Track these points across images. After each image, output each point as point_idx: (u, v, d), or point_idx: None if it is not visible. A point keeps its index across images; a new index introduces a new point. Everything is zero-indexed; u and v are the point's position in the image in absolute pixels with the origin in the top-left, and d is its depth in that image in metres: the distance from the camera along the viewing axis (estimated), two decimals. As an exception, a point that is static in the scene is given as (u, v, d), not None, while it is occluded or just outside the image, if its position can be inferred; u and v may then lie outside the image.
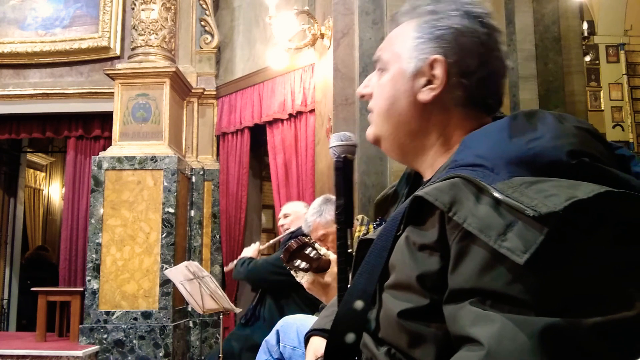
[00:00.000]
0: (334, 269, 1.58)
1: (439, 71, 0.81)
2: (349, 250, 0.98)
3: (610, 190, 0.58)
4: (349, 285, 0.84)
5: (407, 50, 0.84)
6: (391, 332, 0.72)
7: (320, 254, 1.56)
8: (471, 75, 0.80)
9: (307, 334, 1.12)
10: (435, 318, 0.66)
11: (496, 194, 0.61)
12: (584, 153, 0.65)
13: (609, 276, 0.59)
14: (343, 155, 1.00)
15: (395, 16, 0.90)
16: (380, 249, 0.77)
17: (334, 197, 2.76)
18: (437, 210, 0.66)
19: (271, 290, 3.05)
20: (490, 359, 0.57)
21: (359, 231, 2.42)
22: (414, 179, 0.92)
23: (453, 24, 0.81)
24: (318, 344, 1.07)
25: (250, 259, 3.13)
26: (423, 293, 0.68)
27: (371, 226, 2.13)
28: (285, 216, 3.27)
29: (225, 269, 3.28)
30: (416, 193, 0.70)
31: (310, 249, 1.54)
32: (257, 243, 3.31)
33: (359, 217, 2.56)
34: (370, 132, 0.90)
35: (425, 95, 0.82)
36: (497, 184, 0.63)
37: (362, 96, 0.92)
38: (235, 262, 3.22)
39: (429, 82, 0.82)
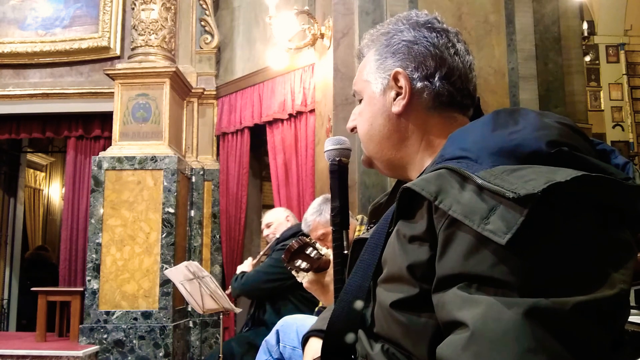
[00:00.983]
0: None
1: (403, 81, 0.87)
2: (345, 252, 1.00)
3: (587, 174, 0.61)
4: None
5: (372, 74, 0.91)
6: (385, 325, 0.74)
7: (321, 254, 1.56)
8: (431, 76, 0.86)
9: (304, 335, 1.12)
10: (426, 308, 0.68)
11: (479, 181, 0.64)
12: (563, 143, 0.68)
13: (589, 257, 0.61)
14: (338, 159, 1.03)
15: (360, 51, 0.97)
16: (374, 247, 0.80)
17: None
18: (425, 201, 0.69)
19: (268, 297, 3.06)
20: (475, 339, 0.58)
21: (359, 231, 2.42)
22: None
23: (403, 37, 0.88)
24: (316, 346, 1.07)
25: (243, 273, 3.15)
26: (413, 283, 0.70)
27: (362, 227, 2.13)
28: (268, 226, 3.30)
29: (226, 291, 3.29)
30: (404, 185, 0.73)
31: (311, 248, 1.54)
32: (250, 258, 3.34)
33: (359, 217, 2.56)
34: (363, 158, 0.95)
35: (398, 106, 0.88)
36: (480, 172, 0.66)
37: (352, 130, 0.97)
38: (231, 281, 3.26)
39: (398, 95, 0.88)
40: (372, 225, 1.00)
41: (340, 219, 1.02)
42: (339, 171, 1.02)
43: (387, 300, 0.72)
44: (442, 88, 0.86)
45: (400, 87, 0.87)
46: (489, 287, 0.60)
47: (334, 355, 0.81)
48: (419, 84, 0.86)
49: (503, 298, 0.59)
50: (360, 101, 0.95)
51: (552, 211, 0.60)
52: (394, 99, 0.88)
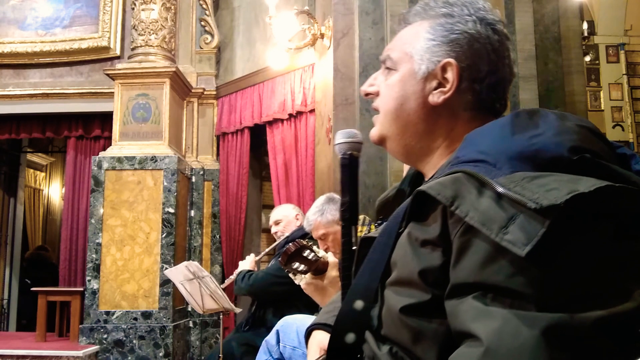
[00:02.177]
0: (331, 272, 1.58)
1: (450, 75, 0.81)
2: (354, 248, 0.98)
3: (610, 184, 0.59)
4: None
5: (419, 52, 0.84)
6: (393, 329, 0.72)
7: (318, 256, 1.56)
8: (481, 80, 0.81)
9: (308, 328, 1.12)
10: (437, 314, 0.66)
11: (498, 188, 0.62)
12: (585, 149, 0.66)
13: (609, 270, 0.59)
14: (349, 152, 1.00)
15: (406, 15, 0.90)
16: (383, 246, 0.77)
17: (337, 197, 2.76)
18: (440, 205, 0.67)
19: (274, 301, 2.99)
20: (489, 356, 0.56)
21: (360, 231, 2.42)
22: (417, 180, 0.92)
23: (467, 29, 0.82)
24: (322, 337, 1.07)
25: (249, 271, 3.07)
26: (425, 288, 0.68)
27: (373, 226, 2.13)
28: (277, 223, 3.23)
29: (223, 285, 3.23)
30: (419, 188, 0.71)
31: (308, 251, 1.54)
32: (252, 255, 3.26)
33: (360, 217, 2.56)
34: (375, 132, 0.90)
35: (436, 98, 0.82)
36: (499, 179, 0.63)
37: (367, 94, 0.92)
38: (232, 277, 3.18)
39: (440, 85, 0.82)
40: (380, 221, 0.99)
41: (349, 214, 1.00)
42: (349, 165, 0.99)
43: (397, 305, 0.70)
44: (486, 95, 0.82)
45: (446, 79, 0.82)
46: (505, 298, 0.59)
47: (340, 354, 0.79)
48: (465, 84, 0.81)
49: (520, 312, 0.57)
50: (388, 69, 0.88)
51: (573, 222, 0.58)
52: (434, 88, 0.83)
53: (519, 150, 0.67)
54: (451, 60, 0.81)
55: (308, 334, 1.12)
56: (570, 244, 0.59)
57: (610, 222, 0.60)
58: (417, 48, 0.84)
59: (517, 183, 0.61)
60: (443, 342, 0.66)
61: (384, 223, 0.85)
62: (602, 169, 0.64)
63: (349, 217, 1.00)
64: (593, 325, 0.56)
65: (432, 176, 0.83)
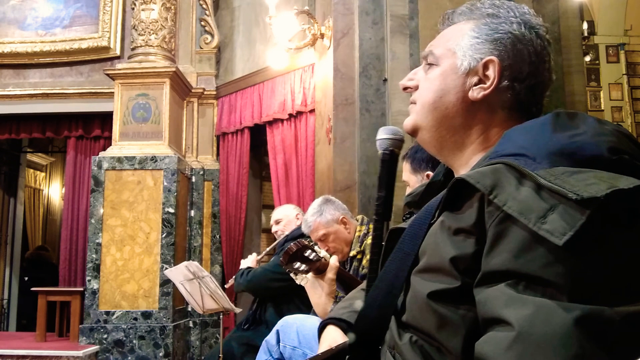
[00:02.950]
0: (327, 274, 1.58)
1: (492, 72, 0.84)
2: (383, 243, 1.00)
3: None
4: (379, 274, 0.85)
5: (462, 48, 0.86)
6: (418, 315, 0.74)
7: (319, 256, 1.56)
8: (522, 81, 0.83)
9: (322, 322, 1.12)
10: (465, 301, 0.67)
11: (539, 179, 0.63)
12: (623, 151, 0.68)
13: None
14: (390, 149, 1.02)
15: (451, 15, 0.92)
16: (413, 237, 0.79)
17: (333, 198, 2.75)
18: (477, 193, 0.68)
19: (273, 296, 3.02)
20: (520, 339, 0.58)
21: (359, 231, 2.42)
22: (449, 176, 0.94)
23: (512, 29, 0.84)
24: (334, 335, 1.07)
25: (249, 268, 3.10)
26: (455, 275, 0.69)
27: (372, 226, 2.12)
28: (277, 222, 3.25)
29: (226, 285, 3.25)
30: (458, 176, 0.72)
31: (309, 251, 1.54)
32: (254, 254, 3.29)
33: (359, 217, 2.56)
34: (410, 121, 0.91)
35: (476, 93, 0.84)
36: (539, 171, 0.65)
37: (405, 88, 0.94)
38: (234, 277, 3.21)
39: (480, 82, 0.84)
40: (408, 215, 1.00)
41: (383, 209, 1.02)
42: (389, 161, 1.02)
43: (425, 291, 0.71)
44: (524, 96, 0.84)
45: (487, 76, 0.84)
46: (538, 286, 0.60)
47: (365, 342, 0.80)
48: (505, 82, 0.83)
49: (552, 301, 0.58)
50: (429, 65, 0.90)
51: (611, 217, 0.59)
52: (475, 84, 0.85)
53: (560, 146, 0.69)
54: (493, 57, 0.83)
55: (322, 328, 1.12)
56: (607, 238, 0.60)
57: None
58: (460, 45, 0.87)
59: (557, 176, 0.63)
60: (468, 329, 0.67)
61: (413, 215, 0.86)
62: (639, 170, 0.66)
63: (382, 211, 1.02)
64: (623, 320, 0.57)
65: (471, 170, 0.84)
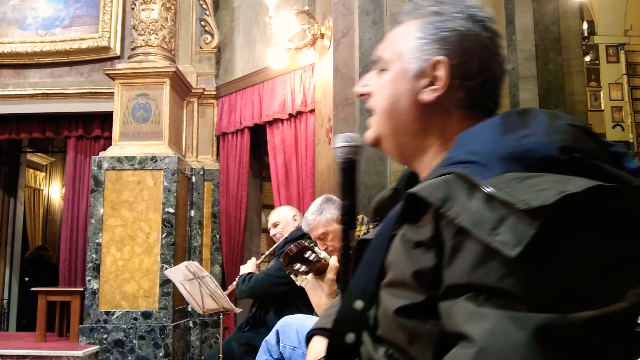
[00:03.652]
0: (327, 275, 1.58)
1: (441, 72, 0.81)
2: (351, 252, 0.99)
3: (601, 184, 0.59)
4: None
5: (409, 50, 0.84)
6: (389, 330, 0.73)
7: (319, 257, 1.56)
8: (473, 78, 0.81)
9: (308, 333, 1.12)
10: (431, 315, 0.66)
11: (488, 189, 0.62)
12: (576, 149, 0.66)
13: (601, 269, 0.60)
14: (348, 157, 1.00)
15: (397, 15, 0.90)
16: (378, 249, 0.77)
17: (335, 197, 2.75)
18: (431, 206, 0.66)
19: (275, 300, 3.00)
20: (482, 356, 0.57)
21: (359, 230, 2.42)
22: (412, 180, 0.92)
23: (457, 26, 0.81)
24: (319, 345, 1.07)
25: (250, 274, 3.08)
26: (419, 290, 0.68)
27: (371, 226, 2.13)
28: (275, 225, 3.24)
29: (226, 292, 3.24)
30: (410, 190, 0.71)
31: (309, 252, 1.54)
32: (253, 259, 3.28)
33: (359, 217, 2.56)
34: (371, 134, 0.90)
35: (427, 96, 0.82)
36: (489, 180, 0.63)
37: (361, 95, 0.92)
38: (235, 282, 3.19)
39: (431, 83, 0.82)
40: (376, 222, 0.99)
41: (349, 218, 1.00)
42: (349, 169, 1.00)
43: (392, 307, 0.70)
44: (478, 92, 0.82)
45: (436, 77, 0.81)
46: (497, 299, 0.59)
47: (338, 355, 0.79)
48: (456, 81, 0.81)
49: (512, 312, 0.57)
50: (381, 70, 0.88)
51: (564, 222, 0.58)
52: (426, 87, 0.82)
53: (510, 150, 0.67)
54: (441, 57, 0.81)
55: (308, 339, 1.12)
56: (562, 244, 0.59)
57: (602, 222, 0.60)
58: (407, 47, 0.84)
59: (507, 184, 0.61)
60: (438, 343, 0.66)
61: (380, 225, 0.85)
62: (594, 169, 0.64)
63: (348, 220, 1.01)
64: (584, 326, 0.56)
65: (426, 177, 0.82)
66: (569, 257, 0.59)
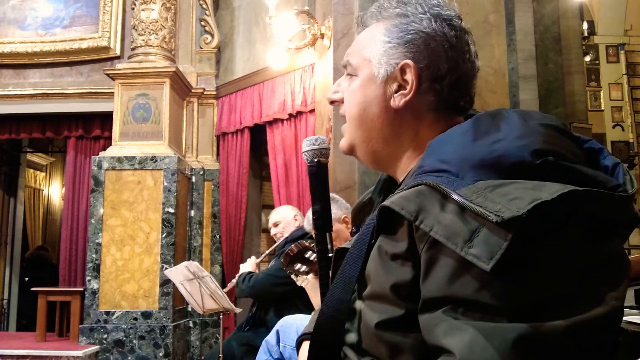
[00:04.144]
0: None
1: (409, 76, 0.79)
2: (329, 255, 0.97)
3: (574, 189, 0.58)
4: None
5: (376, 55, 0.82)
6: (371, 344, 0.72)
7: None
8: (442, 79, 0.79)
9: (298, 338, 1.12)
10: (412, 328, 0.65)
11: (460, 200, 0.60)
12: (548, 152, 0.64)
13: (579, 275, 0.59)
14: (316, 160, 0.98)
15: (363, 18, 0.88)
16: (355, 259, 0.76)
17: (338, 196, 2.74)
18: (405, 219, 0.65)
19: (276, 301, 3.00)
20: None
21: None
22: (389, 185, 0.91)
23: (422, 28, 0.80)
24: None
25: (250, 273, 3.08)
26: (398, 303, 0.67)
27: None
28: (275, 225, 3.23)
29: (226, 289, 3.24)
30: (383, 203, 0.70)
31: (310, 252, 1.54)
32: (253, 257, 3.28)
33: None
34: (344, 142, 0.88)
35: (397, 101, 0.81)
36: (461, 190, 0.62)
37: (332, 102, 0.90)
38: (234, 280, 3.19)
39: (400, 88, 0.81)
40: (355, 229, 0.98)
41: (322, 222, 0.99)
42: (318, 173, 0.97)
43: (373, 321, 0.69)
44: (448, 93, 0.80)
45: (405, 81, 0.80)
46: (475, 312, 0.58)
47: None
48: (425, 84, 0.79)
49: (490, 324, 0.56)
50: (349, 75, 0.86)
51: (538, 230, 0.57)
52: (395, 91, 0.80)
53: (481, 157, 0.65)
54: (408, 61, 0.79)
55: (298, 344, 1.12)
56: (537, 253, 0.58)
57: (577, 226, 0.59)
58: (374, 52, 0.83)
59: (479, 194, 0.60)
60: (420, 356, 0.65)
61: (358, 232, 0.83)
62: (567, 171, 0.63)
63: (321, 224, 0.99)
64: (564, 333, 0.55)
65: (401, 182, 0.81)
66: (545, 265, 0.58)
